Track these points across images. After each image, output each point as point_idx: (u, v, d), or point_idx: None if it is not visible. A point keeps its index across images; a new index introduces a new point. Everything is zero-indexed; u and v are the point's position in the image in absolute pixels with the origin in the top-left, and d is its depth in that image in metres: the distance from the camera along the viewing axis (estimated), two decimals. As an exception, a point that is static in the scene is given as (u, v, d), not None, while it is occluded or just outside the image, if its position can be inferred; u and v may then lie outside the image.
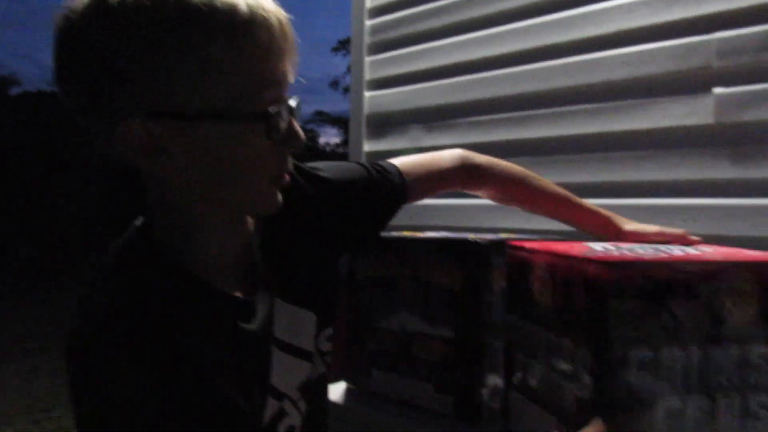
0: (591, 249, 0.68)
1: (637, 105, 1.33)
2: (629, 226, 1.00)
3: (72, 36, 0.55)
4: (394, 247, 0.93)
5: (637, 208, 1.33)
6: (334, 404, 0.96)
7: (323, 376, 0.79)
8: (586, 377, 0.59)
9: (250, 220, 0.72)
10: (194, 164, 0.59)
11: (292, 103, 0.62)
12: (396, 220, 1.01)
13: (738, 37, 1.20)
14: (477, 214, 1.59)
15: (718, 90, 1.23)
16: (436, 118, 1.70)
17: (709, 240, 1.19)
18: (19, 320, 7.90)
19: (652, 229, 0.97)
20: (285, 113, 0.61)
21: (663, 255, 0.64)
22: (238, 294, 0.67)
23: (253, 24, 0.56)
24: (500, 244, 0.85)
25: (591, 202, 1.37)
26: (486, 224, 1.56)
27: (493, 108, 1.58)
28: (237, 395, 0.63)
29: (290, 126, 0.62)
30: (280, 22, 0.59)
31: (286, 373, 0.72)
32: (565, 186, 1.41)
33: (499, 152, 1.53)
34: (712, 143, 1.24)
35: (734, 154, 1.22)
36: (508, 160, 1.52)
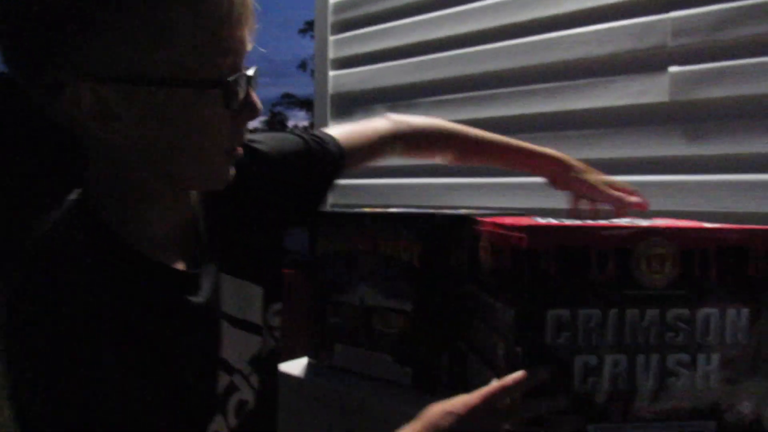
0: (530, 221, 0.71)
1: (594, 84, 1.35)
2: (582, 175, 1.03)
3: None
4: (355, 222, 0.93)
5: (595, 184, 1.35)
6: (297, 379, 0.96)
7: (274, 351, 0.79)
8: (511, 334, 0.64)
9: (194, 193, 0.70)
10: (146, 132, 0.57)
11: (250, 72, 0.60)
12: (359, 199, 1.01)
13: (693, 16, 1.22)
14: (442, 193, 1.60)
15: (673, 69, 1.25)
16: (400, 97, 1.70)
17: (666, 215, 1.22)
18: None
19: (598, 179, 1.02)
20: (243, 82, 0.59)
21: (583, 224, 0.68)
22: (182, 268, 0.65)
23: None
24: (457, 218, 0.85)
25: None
26: (450, 203, 1.57)
27: (455, 87, 1.58)
28: (187, 369, 0.62)
29: (248, 95, 0.60)
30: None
31: (237, 347, 0.71)
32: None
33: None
34: (667, 121, 1.27)
35: (689, 132, 1.25)
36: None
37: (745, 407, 0.60)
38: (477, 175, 1.54)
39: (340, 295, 0.95)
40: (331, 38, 1.84)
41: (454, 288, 0.85)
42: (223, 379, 0.68)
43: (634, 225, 0.66)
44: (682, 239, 0.61)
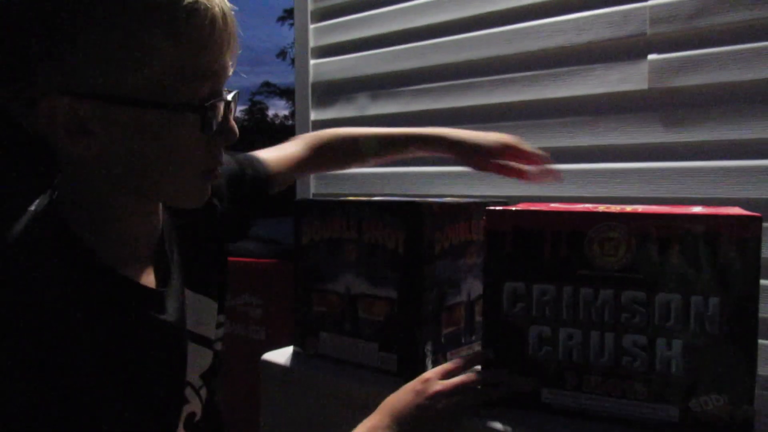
0: (516, 207, 0.75)
1: (574, 72, 1.35)
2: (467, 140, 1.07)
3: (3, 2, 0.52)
4: (339, 211, 0.92)
5: (574, 172, 1.35)
6: (282, 367, 0.95)
7: (218, 363, 0.79)
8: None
9: (161, 209, 0.69)
10: (119, 151, 0.57)
11: (229, 97, 0.61)
12: (342, 188, 1.00)
13: (671, 4, 1.22)
14: (429, 181, 1.59)
15: (652, 56, 1.25)
16: (382, 86, 1.68)
17: (645, 202, 1.23)
18: None
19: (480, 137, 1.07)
20: (221, 107, 0.60)
21: (541, 208, 0.73)
22: (151, 283, 0.65)
23: (195, 14, 0.54)
24: (443, 206, 0.84)
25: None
26: (434, 191, 1.56)
27: (435, 76, 1.57)
28: (154, 387, 0.62)
29: (225, 120, 0.61)
30: (223, 13, 0.57)
31: (193, 363, 0.70)
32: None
33: (441, 119, 1.53)
34: (646, 108, 1.27)
35: (667, 119, 1.25)
36: (450, 127, 1.52)
37: (715, 399, 0.60)
38: (449, 164, 1.53)
39: (325, 284, 0.94)
40: (312, 26, 1.81)
41: (435, 276, 0.85)
42: (191, 399, 0.69)
43: (589, 209, 0.69)
44: (636, 224, 0.62)
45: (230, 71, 0.61)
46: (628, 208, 0.68)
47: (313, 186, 1.80)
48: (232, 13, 0.59)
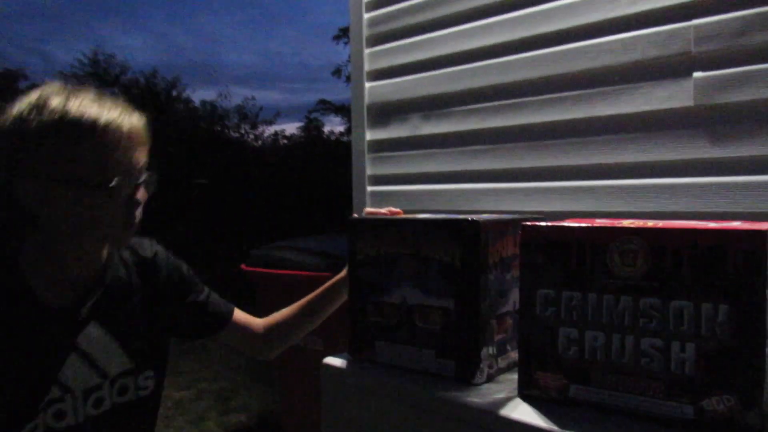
0: (547, 223, 0.86)
1: (621, 90, 1.43)
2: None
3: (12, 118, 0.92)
4: (395, 228, 1.03)
5: (622, 188, 1.43)
6: (341, 371, 1.07)
7: (138, 402, 1.08)
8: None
9: (105, 255, 1.06)
10: (66, 214, 0.93)
11: (139, 179, 0.97)
12: (401, 206, 1.16)
13: (715, 23, 1.29)
14: (475, 198, 1.69)
15: (697, 74, 1.32)
16: (434, 106, 1.80)
17: (692, 216, 1.29)
18: None
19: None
20: (129, 185, 0.95)
21: (569, 224, 0.83)
22: (60, 305, 0.99)
23: (111, 132, 0.92)
24: (495, 223, 0.95)
25: (578, 184, 1.49)
26: (477, 207, 1.66)
27: (486, 96, 1.68)
28: (26, 375, 0.94)
29: (134, 193, 0.97)
30: (135, 129, 0.96)
31: (78, 375, 0.99)
32: (555, 169, 1.52)
33: (494, 138, 1.64)
34: (692, 125, 1.34)
35: (713, 135, 1.32)
36: (501, 147, 1.64)
37: (726, 400, 0.68)
38: (498, 180, 1.63)
39: (381, 296, 1.06)
40: (367, 51, 1.96)
41: (488, 287, 0.95)
42: (53, 390, 0.97)
43: (610, 224, 0.79)
44: (652, 238, 0.71)
45: (143, 161, 0.98)
46: (650, 223, 0.77)
47: (369, 203, 1.94)
48: (142, 122, 0.97)
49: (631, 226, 0.74)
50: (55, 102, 0.91)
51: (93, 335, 1.02)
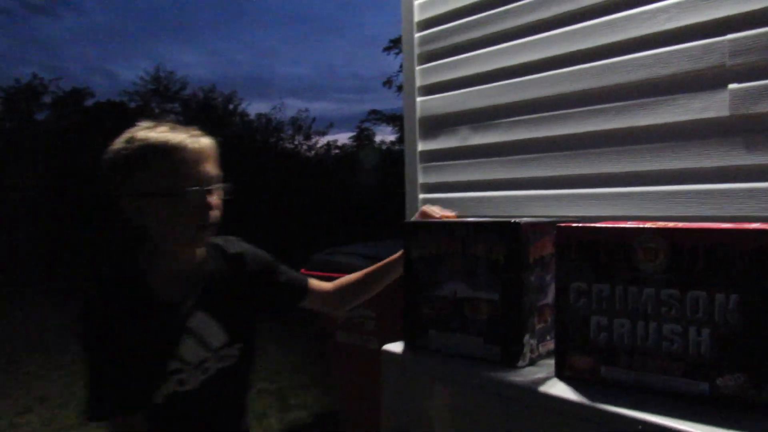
0: (579, 225, 0.97)
1: (659, 102, 1.51)
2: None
3: (104, 159, 1.19)
4: (444, 231, 1.17)
5: (660, 194, 1.51)
6: (399, 357, 1.21)
7: (231, 368, 1.30)
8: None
9: (197, 254, 1.29)
10: (157, 220, 1.19)
11: (210, 188, 1.20)
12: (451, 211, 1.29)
13: (748, 37, 1.37)
14: (516, 203, 1.79)
15: (732, 86, 1.40)
16: (481, 118, 1.92)
17: (728, 220, 1.36)
18: (33, 321, 8.58)
19: None
20: (200, 193, 1.18)
21: (599, 225, 0.95)
22: (171, 299, 1.24)
23: (181, 150, 1.16)
24: (535, 225, 1.07)
25: (619, 191, 1.57)
26: (517, 212, 1.76)
27: (532, 108, 1.78)
28: (153, 352, 1.21)
29: (205, 199, 1.19)
30: (202, 148, 1.19)
31: (191, 351, 1.24)
32: (597, 176, 1.61)
33: (538, 148, 1.75)
34: (727, 134, 1.42)
35: (748, 143, 1.39)
36: (545, 156, 1.75)
37: (737, 378, 0.77)
38: (543, 187, 1.73)
39: (433, 290, 1.19)
40: (417, 68, 2.10)
41: (529, 281, 1.07)
42: (174, 364, 1.22)
43: (635, 225, 0.89)
44: (669, 237, 0.81)
45: (214, 172, 1.21)
46: (670, 224, 0.87)
47: (421, 209, 2.07)
48: (209, 143, 1.21)
49: (653, 226, 0.85)
50: (141, 134, 1.18)
51: (199, 319, 1.27)
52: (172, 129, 1.20)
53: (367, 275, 1.50)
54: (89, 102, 19.74)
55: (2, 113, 19.13)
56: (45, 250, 13.59)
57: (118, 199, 1.20)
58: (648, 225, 0.87)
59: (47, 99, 19.57)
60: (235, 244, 1.40)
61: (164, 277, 1.25)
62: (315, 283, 1.50)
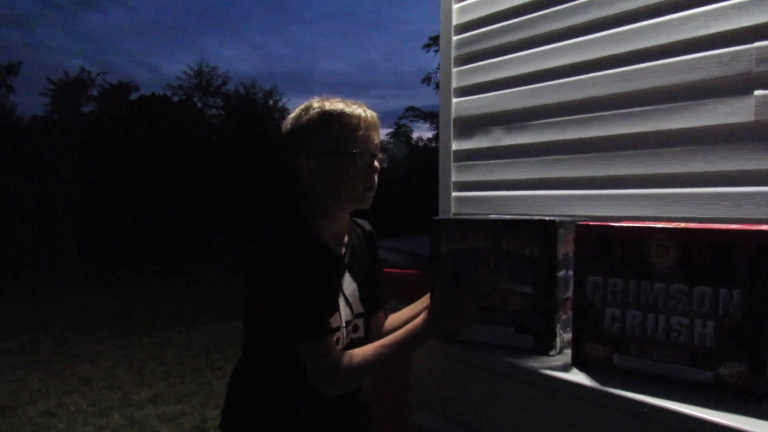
0: (597, 223, 1.04)
1: (687, 107, 1.57)
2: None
3: (283, 127, 1.38)
4: (478, 226, 1.25)
5: (687, 196, 1.57)
6: (430, 346, 1.29)
7: (358, 342, 1.36)
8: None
9: (347, 222, 1.43)
10: (329, 179, 1.32)
11: (376, 153, 1.35)
12: (484, 209, 1.35)
13: (775, 45, 1.40)
14: (543, 203, 1.86)
15: (758, 92, 1.44)
16: (514, 120, 1.99)
17: (753, 222, 1.41)
18: (146, 300, 8.90)
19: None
20: (367, 155, 1.33)
21: (615, 224, 1.02)
22: (337, 252, 1.37)
23: (354, 117, 1.31)
24: (565, 222, 1.15)
25: (646, 192, 1.63)
26: (544, 211, 1.82)
27: (563, 110, 1.85)
28: (325, 302, 1.30)
29: (372, 162, 1.34)
30: (369, 118, 1.34)
31: (345, 310, 1.34)
32: (625, 178, 1.67)
33: (568, 149, 1.81)
34: (753, 138, 1.46)
35: (773, 148, 1.43)
36: (575, 157, 1.81)
37: (739, 367, 0.84)
38: (572, 188, 1.80)
39: (463, 281, 1.27)
40: (454, 70, 2.18)
41: (560, 275, 1.15)
42: (336, 321, 1.31)
43: (647, 225, 0.96)
44: (679, 236, 0.88)
45: (377, 139, 1.36)
46: (681, 225, 0.94)
47: (454, 207, 2.16)
48: (374, 115, 1.36)
49: (664, 226, 0.92)
50: (316, 104, 1.34)
51: (347, 280, 1.40)
52: (344, 101, 1.35)
53: (406, 316, 1.55)
54: (134, 95, 20.35)
55: (51, 105, 19.85)
56: (92, 238, 14.09)
57: (293, 160, 1.34)
58: (660, 225, 0.94)
59: (94, 92, 20.24)
60: (367, 224, 1.57)
61: (326, 232, 1.36)
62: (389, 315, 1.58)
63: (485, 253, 1.25)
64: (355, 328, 1.39)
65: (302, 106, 1.36)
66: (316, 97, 1.38)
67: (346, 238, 1.43)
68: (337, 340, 1.30)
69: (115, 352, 5.92)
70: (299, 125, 1.33)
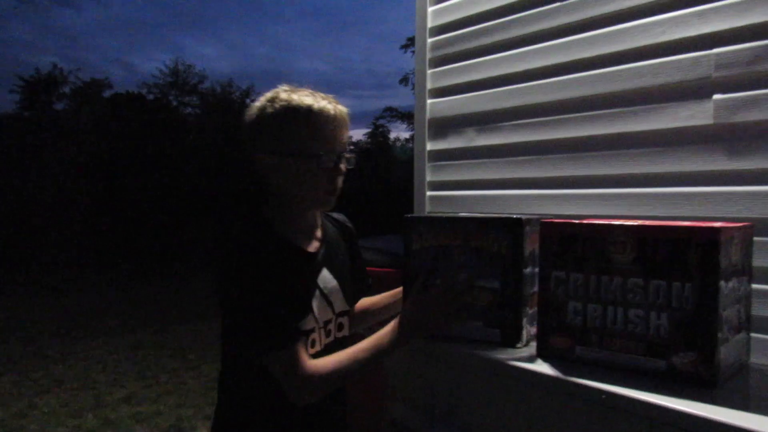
0: (560, 221, 1.09)
1: (651, 109, 1.63)
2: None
3: (245, 117, 1.28)
4: (448, 224, 1.29)
5: (651, 195, 1.64)
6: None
7: (343, 341, 1.33)
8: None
9: (318, 217, 1.37)
10: (289, 179, 1.25)
11: (342, 155, 1.28)
12: (457, 208, 1.38)
13: (732, 52, 1.48)
14: (515, 202, 1.92)
15: (716, 96, 1.51)
16: (487, 121, 2.05)
17: (710, 221, 1.47)
18: (121, 300, 8.80)
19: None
20: (332, 157, 1.25)
21: (577, 222, 1.07)
22: (307, 249, 1.29)
23: (322, 115, 1.23)
24: (531, 220, 1.20)
25: (612, 192, 1.69)
26: (512, 210, 1.88)
27: (534, 112, 1.91)
28: (295, 299, 1.23)
29: (337, 164, 1.26)
30: (339, 115, 1.25)
31: (319, 308, 1.27)
32: (592, 178, 1.73)
33: (539, 150, 1.87)
34: (711, 141, 1.53)
35: (730, 150, 1.50)
36: (546, 157, 1.87)
37: (690, 356, 0.90)
38: (542, 187, 1.85)
39: (436, 279, 1.31)
40: (429, 71, 2.23)
41: (527, 270, 1.19)
42: (311, 322, 1.25)
43: (606, 222, 1.02)
44: (636, 233, 0.93)
45: (346, 138, 1.28)
46: (638, 222, 0.99)
47: (428, 206, 2.20)
48: (344, 111, 1.27)
49: (622, 223, 0.97)
50: (283, 95, 1.24)
51: (326, 277, 1.32)
52: (312, 94, 1.25)
53: (376, 303, 1.54)
54: (108, 93, 20.06)
55: (22, 102, 19.49)
56: (63, 238, 13.87)
57: (253, 154, 1.26)
58: (618, 222, 0.99)
59: (66, 89, 19.91)
60: (342, 216, 1.50)
61: (293, 231, 1.28)
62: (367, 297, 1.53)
63: (455, 250, 1.29)
64: (340, 327, 1.35)
65: (268, 96, 1.26)
66: (284, 85, 1.28)
67: (318, 233, 1.35)
68: (312, 342, 1.25)
69: (89, 353, 5.87)
70: (263, 117, 1.23)
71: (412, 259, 1.36)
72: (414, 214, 1.32)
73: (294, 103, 1.22)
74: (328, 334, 1.30)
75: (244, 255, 1.18)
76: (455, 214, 1.42)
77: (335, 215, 1.48)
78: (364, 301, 1.54)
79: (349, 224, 1.51)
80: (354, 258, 1.48)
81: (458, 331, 1.28)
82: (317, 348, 1.25)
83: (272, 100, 1.24)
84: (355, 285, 1.47)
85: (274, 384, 1.17)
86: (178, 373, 5.17)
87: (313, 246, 1.32)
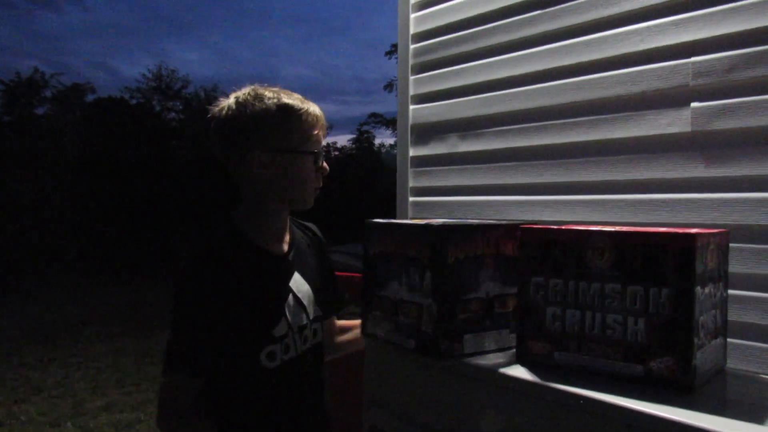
0: (540, 227, 1.10)
1: (630, 117, 1.65)
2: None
3: (226, 114, 1.27)
4: (389, 231, 1.21)
5: (629, 202, 1.65)
6: (387, 347, 1.32)
7: (318, 346, 1.37)
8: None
9: (287, 220, 1.37)
10: (281, 175, 1.27)
11: (322, 154, 1.33)
12: (435, 215, 1.37)
13: (710, 60, 1.50)
14: (499, 209, 1.92)
15: (694, 104, 1.53)
16: (469, 127, 2.05)
17: (689, 227, 1.49)
18: (103, 306, 8.69)
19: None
20: (322, 156, 1.30)
21: (555, 228, 1.07)
22: (277, 252, 1.31)
23: (310, 115, 1.28)
24: (454, 227, 1.11)
25: (591, 198, 1.70)
26: (499, 216, 1.89)
27: (516, 119, 1.92)
28: (262, 308, 1.25)
29: (322, 163, 1.31)
30: (322, 117, 1.31)
31: (293, 314, 1.28)
32: (573, 184, 1.74)
33: (520, 156, 1.88)
34: (689, 148, 1.55)
35: (708, 157, 1.52)
36: (527, 164, 1.88)
37: (666, 360, 0.90)
38: (523, 193, 1.86)
39: (381, 290, 1.22)
40: (411, 78, 2.24)
41: (455, 280, 1.09)
42: (283, 327, 1.26)
43: (585, 228, 1.02)
44: (614, 239, 0.94)
45: (323, 138, 1.33)
46: (616, 228, 1.00)
47: (411, 212, 2.20)
48: (322, 114, 1.31)
49: (601, 229, 0.98)
50: (269, 94, 1.25)
51: (299, 281, 1.31)
52: (288, 95, 1.27)
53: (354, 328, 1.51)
54: (90, 97, 19.86)
55: (2, 106, 19.24)
56: (44, 244, 13.68)
57: (244, 149, 1.23)
58: (597, 228, 1.00)
59: (48, 93, 19.69)
60: (312, 225, 1.50)
61: (263, 234, 1.29)
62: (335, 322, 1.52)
63: (395, 260, 1.19)
64: (315, 333, 1.33)
65: (248, 94, 1.25)
66: (255, 84, 1.28)
67: (287, 237, 1.35)
68: (287, 347, 1.23)
69: (69, 360, 5.79)
70: (251, 114, 1.22)
71: (367, 267, 1.27)
72: (373, 219, 1.23)
73: (285, 101, 1.25)
74: (304, 341, 1.29)
75: (192, 263, 1.20)
76: (401, 222, 1.33)
77: (306, 223, 1.48)
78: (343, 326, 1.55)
79: (319, 233, 1.49)
80: (324, 268, 1.46)
81: (390, 336, 1.20)
82: (291, 354, 1.25)
83: (257, 98, 1.24)
84: (327, 295, 1.45)
85: (249, 397, 1.19)
86: (159, 381, 5.11)
87: (284, 249, 1.33)
